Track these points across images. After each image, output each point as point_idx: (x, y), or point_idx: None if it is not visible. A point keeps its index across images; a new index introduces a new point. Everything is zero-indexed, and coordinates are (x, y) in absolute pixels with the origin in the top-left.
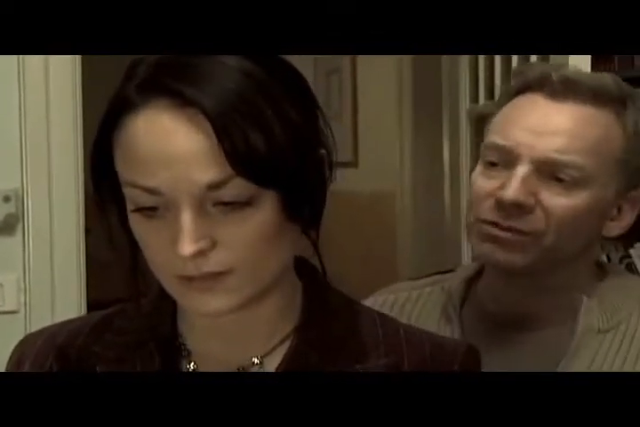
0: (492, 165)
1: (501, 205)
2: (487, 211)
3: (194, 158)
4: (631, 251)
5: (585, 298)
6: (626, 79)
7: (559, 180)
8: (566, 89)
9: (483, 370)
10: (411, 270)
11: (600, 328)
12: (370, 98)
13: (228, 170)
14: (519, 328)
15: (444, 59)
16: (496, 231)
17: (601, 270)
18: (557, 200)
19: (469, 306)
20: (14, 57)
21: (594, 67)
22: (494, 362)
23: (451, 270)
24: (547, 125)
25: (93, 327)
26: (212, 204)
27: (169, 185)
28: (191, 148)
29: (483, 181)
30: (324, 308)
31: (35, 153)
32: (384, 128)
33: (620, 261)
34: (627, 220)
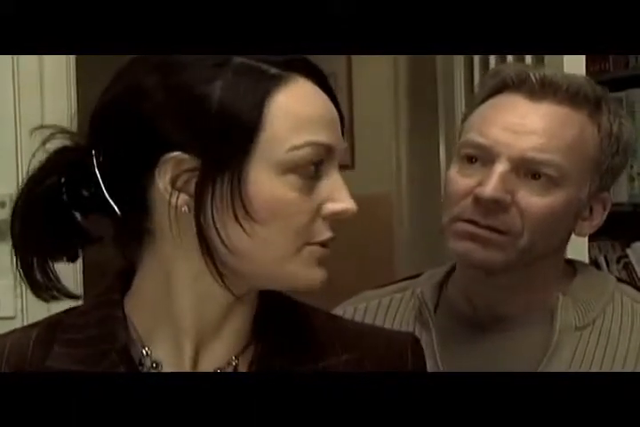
0: (470, 162)
1: (479, 202)
2: (465, 209)
3: (336, 122)
4: (628, 251)
5: (560, 296)
6: (620, 79)
7: (536, 178)
8: (544, 89)
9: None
10: (407, 272)
11: (577, 325)
12: (365, 101)
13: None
14: (495, 329)
15: (440, 62)
16: (474, 229)
17: (570, 268)
18: (534, 199)
19: (442, 310)
20: (9, 59)
21: (588, 67)
22: (473, 364)
23: (418, 275)
24: (525, 125)
25: (36, 341)
26: None
27: (332, 141)
28: (334, 112)
29: (460, 180)
30: (279, 315)
31: (30, 158)
32: (380, 130)
33: (618, 261)
34: (597, 220)
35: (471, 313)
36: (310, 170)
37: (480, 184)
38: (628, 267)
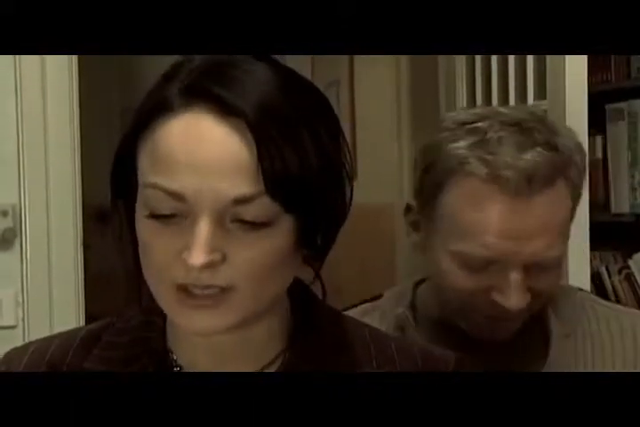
0: (472, 265)
1: (502, 308)
2: (481, 305)
3: (228, 169)
4: (630, 262)
5: (549, 307)
6: (621, 90)
7: (543, 267)
8: (527, 185)
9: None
10: (409, 280)
11: (564, 334)
12: (368, 110)
13: (259, 187)
14: (489, 345)
15: (442, 70)
16: (495, 323)
17: None
18: (546, 281)
19: (421, 328)
20: (11, 62)
21: (590, 77)
22: None
23: (377, 297)
24: (524, 229)
25: (81, 343)
26: (231, 219)
27: (195, 192)
28: (227, 158)
29: (466, 279)
30: (313, 324)
31: (32, 167)
32: (382, 139)
33: (619, 271)
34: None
35: (455, 333)
36: (162, 214)
37: (495, 290)
38: (629, 278)
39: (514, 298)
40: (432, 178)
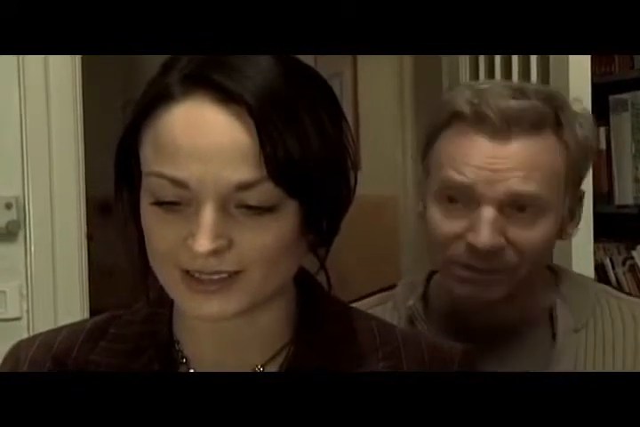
0: (450, 202)
1: (475, 250)
2: (459, 254)
3: (230, 156)
4: (633, 253)
5: (558, 301)
6: (625, 81)
7: (522, 211)
8: (506, 126)
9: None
10: (414, 273)
11: (574, 328)
12: (371, 101)
13: (261, 172)
14: (494, 339)
15: (445, 62)
16: (474, 275)
17: (553, 273)
18: (525, 233)
19: (432, 321)
20: (14, 60)
21: (593, 69)
22: None
23: (392, 286)
24: (500, 164)
25: (87, 335)
26: (236, 205)
27: (199, 179)
28: (229, 144)
29: (446, 223)
30: (320, 315)
31: (36, 160)
32: (386, 131)
33: (623, 262)
34: (578, 217)
35: (466, 326)
36: (166, 201)
37: (470, 230)
38: (633, 269)
39: (483, 234)
40: (428, 129)
